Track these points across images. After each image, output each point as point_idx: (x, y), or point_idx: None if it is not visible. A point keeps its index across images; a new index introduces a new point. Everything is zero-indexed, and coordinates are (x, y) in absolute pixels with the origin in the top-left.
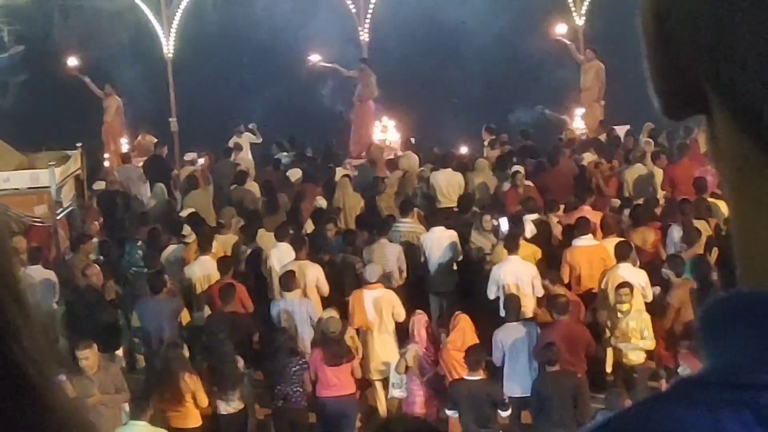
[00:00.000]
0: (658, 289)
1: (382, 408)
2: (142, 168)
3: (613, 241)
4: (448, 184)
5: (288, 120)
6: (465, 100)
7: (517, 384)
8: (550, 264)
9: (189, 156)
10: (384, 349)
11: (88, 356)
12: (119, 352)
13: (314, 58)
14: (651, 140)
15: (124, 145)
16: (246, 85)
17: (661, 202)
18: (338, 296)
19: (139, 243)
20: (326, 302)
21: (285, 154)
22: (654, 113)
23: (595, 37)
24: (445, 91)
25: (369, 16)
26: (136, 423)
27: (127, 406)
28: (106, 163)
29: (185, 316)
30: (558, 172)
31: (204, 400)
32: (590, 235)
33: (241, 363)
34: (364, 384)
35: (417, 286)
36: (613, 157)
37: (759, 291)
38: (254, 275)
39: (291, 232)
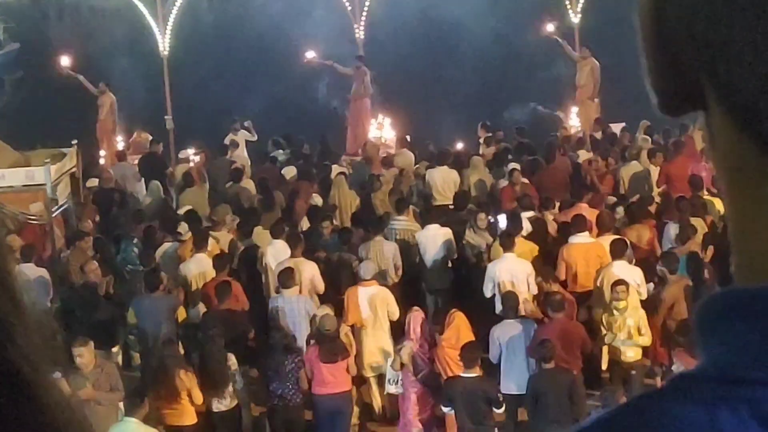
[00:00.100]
0: (652, 285)
1: (377, 404)
2: (137, 165)
3: (609, 239)
4: (443, 182)
5: (284, 117)
6: (461, 97)
7: (513, 381)
8: (545, 261)
9: (183, 153)
10: (378, 346)
11: (83, 353)
12: (115, 350)
13: (310, 54)
14: (648, 137)
15: (119, 143)
16: (241, 82)
17: (657, 199)
18: (334, 294)
19: (135, 241)
20: (322, 300)
21: (281, 151)
22: (650, 111)
23: (590, 34)
24: (440, 89)
25: (365, 13)
26: (129, 420)
27: (122, 404)
28: (102, 161)
29: (181, 313)
30: (554, 169)
31: (199, 397)
32: (587, 233)
33: (232, 360)
34: (359, 381)
35: (412, 284)
36: (608, 155)
37: (756, 287)
38: (248, 273)
39: (286, 229)
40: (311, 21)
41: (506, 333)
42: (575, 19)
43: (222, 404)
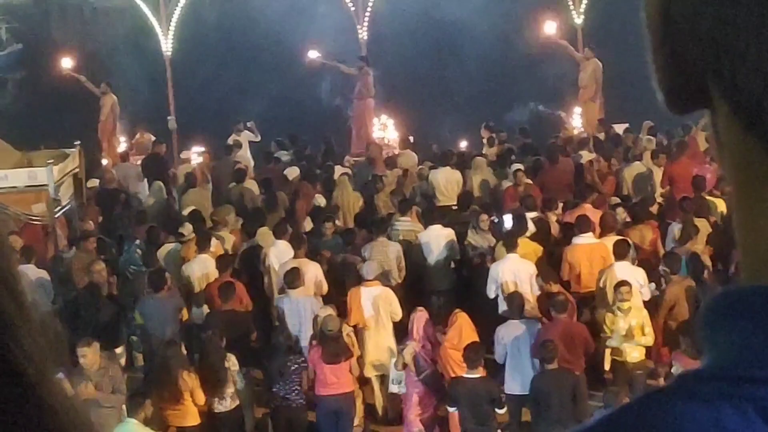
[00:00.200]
0: (654, 286)
1: (380, 405)
2: (140, 166)
3: (612, 240)
4: (446, 183)
5: (287, 117)
6: (464, 97)
7: (518, 382)
8: (548, 262)
9: (185, 154)
10: (381, 347)
11: (87, 354)
12: (119, 351)
13: (313, 54)
14: (652, 138)
15: (122, 144)
16: (244, 82)
17: (660, 200)
18: (339, 295)
19: (137, 242)
20: (326, 301)
21: (284, 152)
22: (653, 111)
23: (593, 35)
24: (443, 89)
25: (368, 14)
26: (129, 421)
27: (125, 406)
28: (104, 161)
29: (183, 314)
30: (557, 170)
31: (201, 398)
32: (590, 233)
33: (232, 361)
34: (362, 381)
35: (415, 285)
36: (611, 155)
37: (761, 286)
38: (249, 273)
39: (289, 230)
40: (314, 21)
41: (511, 333)
42: (578, 19)
43: (222, 405)
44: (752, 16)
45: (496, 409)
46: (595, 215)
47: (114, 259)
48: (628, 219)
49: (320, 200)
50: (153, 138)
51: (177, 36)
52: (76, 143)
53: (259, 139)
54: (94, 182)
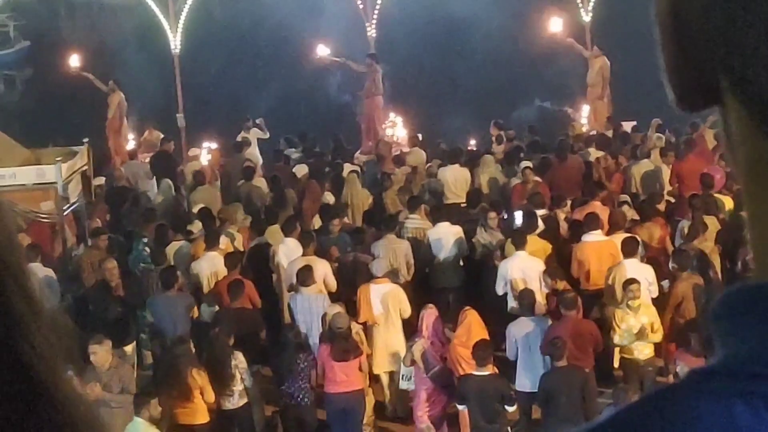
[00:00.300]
0: (666, 282)
1: (389, 402)
2: (149, 164)
3: (621, 237)
4: (455, 180)
5: (296, 115)
6: (472, 95)
7: (529, 379)
8: (556, 260)
9: (193, 152)
10: (391, 344)
11: (98, 351)
12: (129, 349)
13: (322, 51)
14: (662, 135)
15: (131, 141)
16: (253, 80)
17: (667, 197)
18: (350, 294)
19: (145, 239)
20: (335, 299)
21: (293, 150)
22: (661, 109)
23: (602, 33)
24: (452, 87)
25: (376, 12)
26: (136, 420)
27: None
28: (112, 159)
29: (194, 312)
30: (566, 167)
31: (211, 396)
32: (600, 231)
33: (240, 359)
34: (371, 378)
35: (424, 282)
36: (619, 153)
37: None
38: (256, 271)
39: (298, 227)
40: (323, 19)
41: (522, 330)
42: (586, 17)
43: (230, 402)
44: (762, 12)
45: (507, 407)
46: (604, 213)
47: (123, 256)
48: (635, 216)
49: (329, 198)
50: (162, 136)
51: (185, 33)
52: (84, 141)
53: (267, 135)
54: (100, 180)
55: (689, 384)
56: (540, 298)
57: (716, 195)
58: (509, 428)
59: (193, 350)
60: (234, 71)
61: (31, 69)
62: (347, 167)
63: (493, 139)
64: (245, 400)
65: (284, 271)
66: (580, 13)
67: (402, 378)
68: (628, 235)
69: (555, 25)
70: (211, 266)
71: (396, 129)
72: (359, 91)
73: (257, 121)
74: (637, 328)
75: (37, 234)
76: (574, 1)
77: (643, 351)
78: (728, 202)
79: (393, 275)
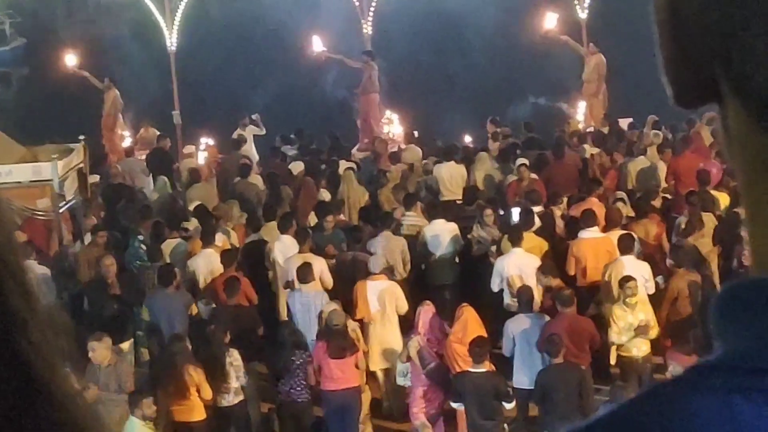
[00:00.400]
0: (661, 278)
1: (385, 398)
2: (145, 161)
3: (617, 234)
4: (451, 177)
5: (292, 112)
6: (468, 92)
7: (526, 375)
8: (552, 257)
9: (188, 149)
10: (387, 341)
11: (97, 348)
12: (126, 346)
13: (318, 48)
14: (659, 132)
15: (127, 139)
16: (249, 77)
17: (663, 194)
18: (349, 292)
19: (141, 237)
20: (332, 296)
21: (290, 147)
22: (657, 105)
23: (598, 29)
24: (448, 84)
25: (372, 9)
26: (131, 419)
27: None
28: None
29: (192, 310)
30: (563, 164)
31: (208, 393)
32: (596, 228)
33: (235, 356)
34: (368, 375)
35: (420, 279)
36: (615, 150)
37: None
38: (251, 268)
39: (294, 224)
40: (319, 16)
41: (520, 327)
42: (582, 13)
43: (226, 399)
44: (759, 8)
45: (504, 404)
46: (600, 210)
47: (119, 254)
48: (631, 213)
49: (325, 195)
50: (158, 133)
51: (181, 31)
52: (80, 138)
53: (264, 132)
54: (95, 178)
55: (688, 379)
56: (536, 295)
57: (713, 192)
58: (506, 425)
59: (190, 347)
60: (230, 69)
61: (27, 66)
62: (343, 164)
63: (489, 135)
64: (241, 398)
65: (280, 268)
66: (576, 10)
67: (398, 374)
68: (625, 231)
69: (551, 21)
70: (207, 263)
71: (392, 126)
72: (355, 88)
73: (254, 117)
74: (635, 326)
75: (33, 231)
76: None
77: (641, 348)
78: (725, 199)
79: (389, 272)
